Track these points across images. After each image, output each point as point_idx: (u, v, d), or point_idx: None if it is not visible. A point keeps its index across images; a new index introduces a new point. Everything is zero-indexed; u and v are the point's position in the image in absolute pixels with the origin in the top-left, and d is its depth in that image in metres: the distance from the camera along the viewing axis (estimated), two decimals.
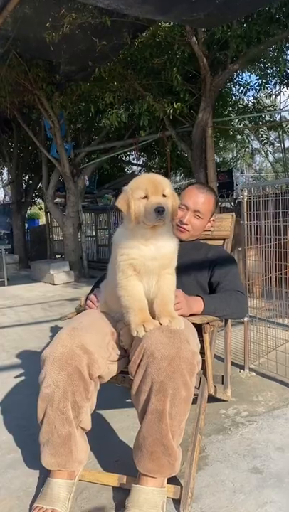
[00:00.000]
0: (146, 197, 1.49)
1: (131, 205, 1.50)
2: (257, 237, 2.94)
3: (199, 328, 1.74)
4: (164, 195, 1.51)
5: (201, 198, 2.10)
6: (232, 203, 9.47)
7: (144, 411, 1.43)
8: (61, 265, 8.01)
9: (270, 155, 12.68)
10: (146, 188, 1.49)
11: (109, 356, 1.63)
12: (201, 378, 1.80)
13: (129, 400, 2.30)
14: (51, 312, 5.28)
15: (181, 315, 1.66)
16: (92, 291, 2.02)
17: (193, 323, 1.70)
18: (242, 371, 2.90)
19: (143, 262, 1.51)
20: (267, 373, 2.82)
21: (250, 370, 2.91)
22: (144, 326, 1.45)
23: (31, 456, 1.91)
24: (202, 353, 1.71)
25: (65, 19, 4.86)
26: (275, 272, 2.95)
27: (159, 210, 1.44)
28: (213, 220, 2.24)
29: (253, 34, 5.38)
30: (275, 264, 2.94)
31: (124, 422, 2.25)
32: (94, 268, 9.12)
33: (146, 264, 1.52)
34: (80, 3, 4.75)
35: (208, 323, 1.74)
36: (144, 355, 1.43)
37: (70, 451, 1.51)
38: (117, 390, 2.37)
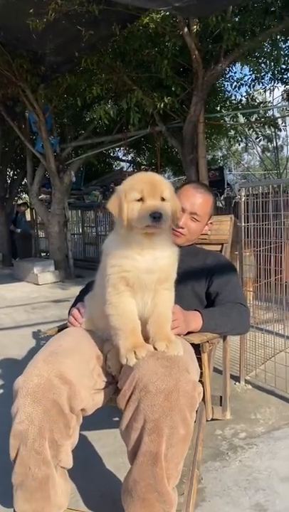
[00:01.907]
0: (141, 199, 1.27)
1: (123, 208, 1.27)
2: (254, 240, 2.76)
3: (196, 346, 1.53)
4: (163, 199, 1.28)
5: (198, 199, 1.86)
6: (222, 202, 9.32)
7: (135, 451, 1.21)
8: (46, 264, 7.72)
9: (260, 151, 12.56)
10: (143, 190, 1.26)
11: (94, 385, 1.40)
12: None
13: (118, 419, 2.08)
14: (34, 315, 5.03)
15: (178, 334, 1.44)
16: (75, 303, 1.77)
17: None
18: (237, 383, 2.72)
19: (137, 274, 1.28)
20: (264, 386, 2.65)
21: (246, 382, 2.74)
22: (135, 352, 1.22)
23: (3, 490, 1.67)
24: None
25: (50, 6, 4.57)
26: (271, 277, 2.78)
27: (155, 216, 1.21)
28: (211, 223, 2.01)
29: (247, 26, 5.17)
30: (271, 269, 2.76)
31: (110, 446, 2.03)
32: (80, 267, 8.83)
33: (141, 278, 1.28)
34: None
35: (207, 341, 1.53)
36: (136, 387, 1.20)
37: (48, 496, 1.28)
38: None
